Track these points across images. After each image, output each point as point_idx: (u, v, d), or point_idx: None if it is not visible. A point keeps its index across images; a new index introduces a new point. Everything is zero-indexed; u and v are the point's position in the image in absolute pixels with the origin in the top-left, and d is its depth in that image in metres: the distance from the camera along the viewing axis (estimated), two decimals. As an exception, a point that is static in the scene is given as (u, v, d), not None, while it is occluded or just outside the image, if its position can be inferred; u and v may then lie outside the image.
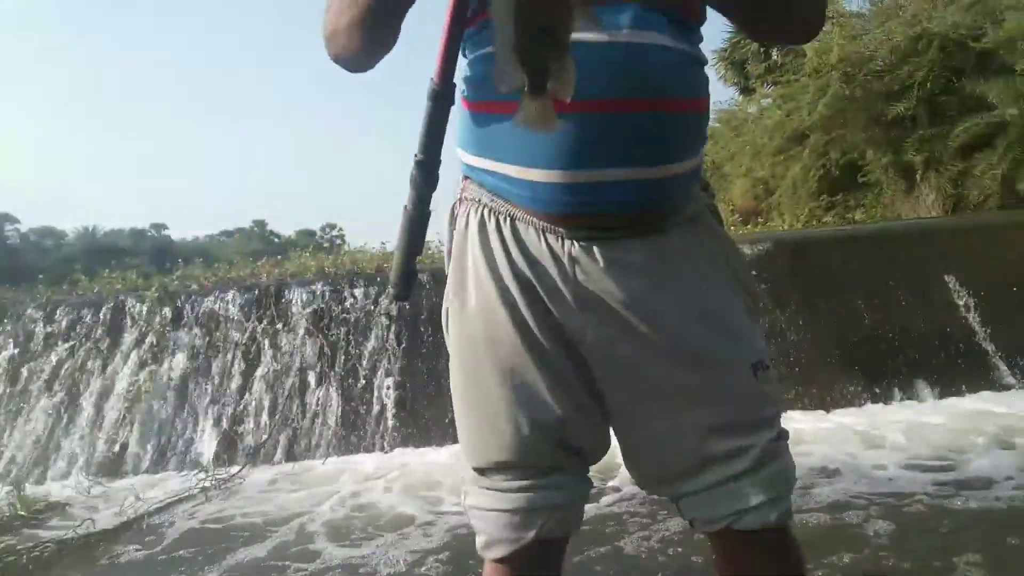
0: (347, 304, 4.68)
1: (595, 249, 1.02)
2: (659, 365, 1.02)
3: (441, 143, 0.93)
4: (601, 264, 1.02)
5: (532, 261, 1.03)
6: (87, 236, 57.00)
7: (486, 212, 1.08)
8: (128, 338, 4.71)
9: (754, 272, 4.27)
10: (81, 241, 55.64)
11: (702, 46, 1.10)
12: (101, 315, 4.86)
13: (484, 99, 1.03)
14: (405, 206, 0.92)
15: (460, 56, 1.08)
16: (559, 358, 1.04)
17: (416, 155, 0.90)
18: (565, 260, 1.02)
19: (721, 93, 15.45)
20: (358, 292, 4.72)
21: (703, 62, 1.08)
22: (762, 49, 14.62)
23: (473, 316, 1.09)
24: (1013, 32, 6.80)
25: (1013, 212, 6.16)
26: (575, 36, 0.86)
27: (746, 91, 14.54)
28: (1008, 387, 3.79)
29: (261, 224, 70.91)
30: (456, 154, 1.18)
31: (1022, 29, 6.72)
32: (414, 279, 0.99)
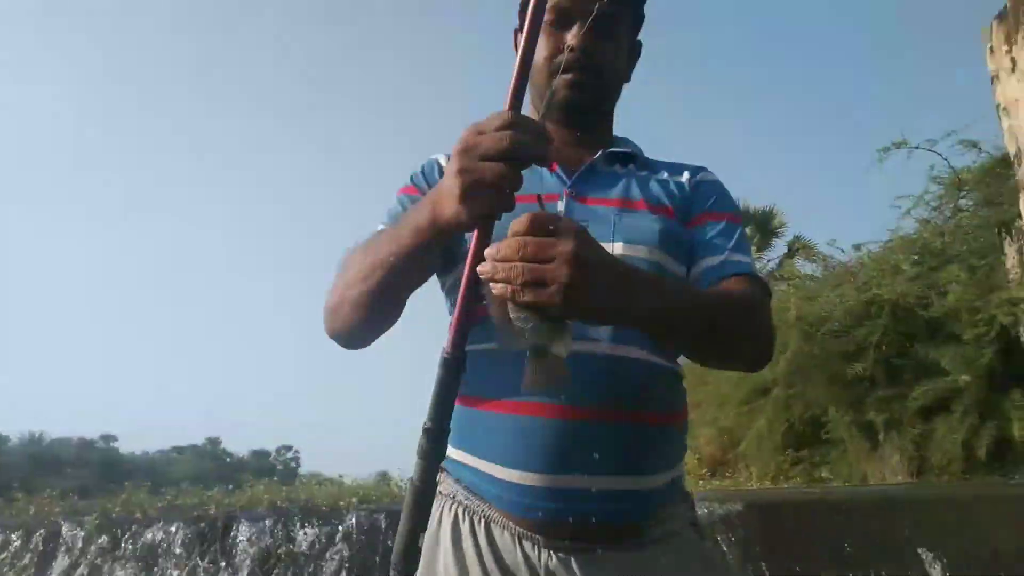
0: (296, 544, 4.43)
1: (572, 563, 0.99)
2: None
3: (451, 412, 0.91)
4: None
5: (506, 572, 1.01)
6: (32, 443, 54.79)
7: (461, 511, 1.06)
8: (58, 567, 4.36)
9: (724, 534, 4.14)
10: (25, 448, 53.38)
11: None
12: (33, 541, 4.54)
13: (471, 393, 1.05)
14: (411, 479, 0.89)
15: None
16: None
17: (425, 423, 0.89)
18: (542, 573, 0.99)
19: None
20: (309, 532, 4.49)
21: (680, 375, 1.12)
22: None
23: None
24: (956, 303, 7.23)
25: (979, 483, 6.19)
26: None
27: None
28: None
29: (215, 442, 69.00)
30: None
31: (964, 301, 7.15)
32: (419, 557, 0.94)
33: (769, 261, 14.08)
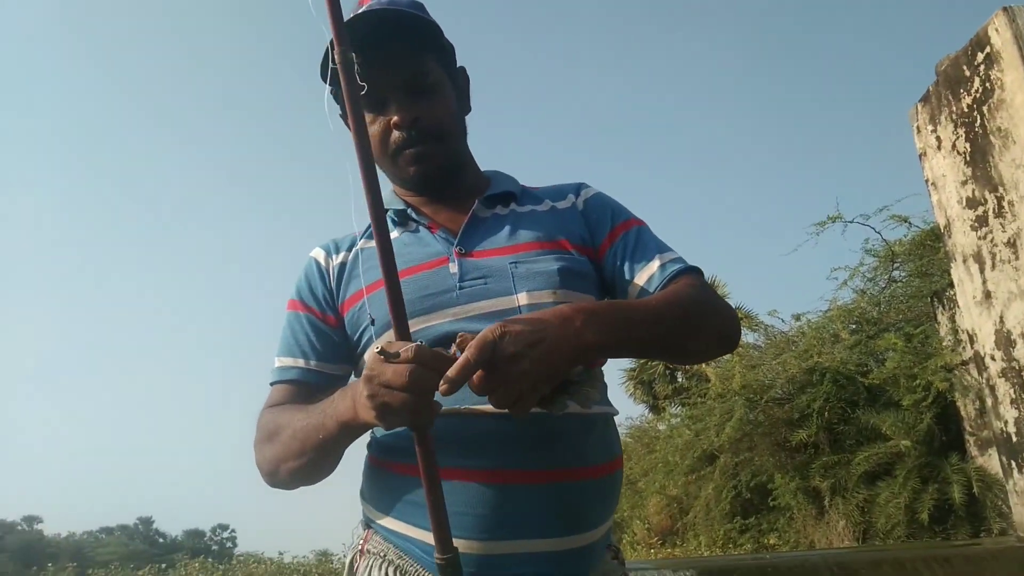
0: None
1: None
2: None
3: None
4: None
5: None
6: (-55, 527, 51.33)
7: (391, 571, 1.03)
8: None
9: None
10: (-64, 533, 49.99)
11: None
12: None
13: (399, 460, 1.05)
14: None
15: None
16: None
17: None
18: None
19: (631, 409, 16.03)
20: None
21: (612, 413, 1.12)
22: (668, 371, 15.60)
23: None
24: (894, 371, 7.43)
25: (923, 544, 6.27)
26: (485, 408, 0.92)
27: (655, 409, 15.15)
28: None
29: (146, 522, 65.63)
30: (360, 504, 1.17)
31: (902, 368, 7.36)
32: None
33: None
